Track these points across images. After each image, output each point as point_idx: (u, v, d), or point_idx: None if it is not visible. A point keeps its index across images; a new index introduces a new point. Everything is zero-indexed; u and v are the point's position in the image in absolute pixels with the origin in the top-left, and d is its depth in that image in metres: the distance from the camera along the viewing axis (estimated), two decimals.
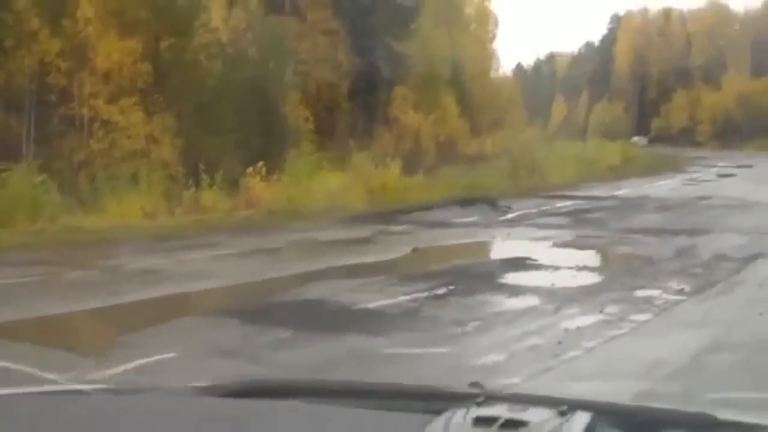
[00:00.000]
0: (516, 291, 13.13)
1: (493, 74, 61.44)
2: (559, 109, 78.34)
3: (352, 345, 9.73)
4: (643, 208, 26.82)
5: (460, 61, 52.48)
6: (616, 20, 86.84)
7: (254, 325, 10.72)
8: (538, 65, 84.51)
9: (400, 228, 21.63)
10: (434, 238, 20.08)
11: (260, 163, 27.05)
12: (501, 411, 1.97)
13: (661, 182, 38.64)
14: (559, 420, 1.92)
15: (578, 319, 10.93)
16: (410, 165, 38.35)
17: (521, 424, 1.89)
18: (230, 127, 34.07)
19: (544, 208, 26.97)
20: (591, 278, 14.45)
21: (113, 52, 30.20)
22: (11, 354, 7.88)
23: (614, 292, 12.86)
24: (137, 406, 2.41)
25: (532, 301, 12.37)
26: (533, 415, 1.94)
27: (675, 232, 20.33)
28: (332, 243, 19.01)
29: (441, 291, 12.95)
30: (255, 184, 26.66)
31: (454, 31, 55.80)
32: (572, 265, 15.65)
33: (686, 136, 76.63)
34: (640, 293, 12.83)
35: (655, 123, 75.69)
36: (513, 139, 44.88)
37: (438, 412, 2.02)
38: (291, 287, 13.69)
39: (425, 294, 12.69)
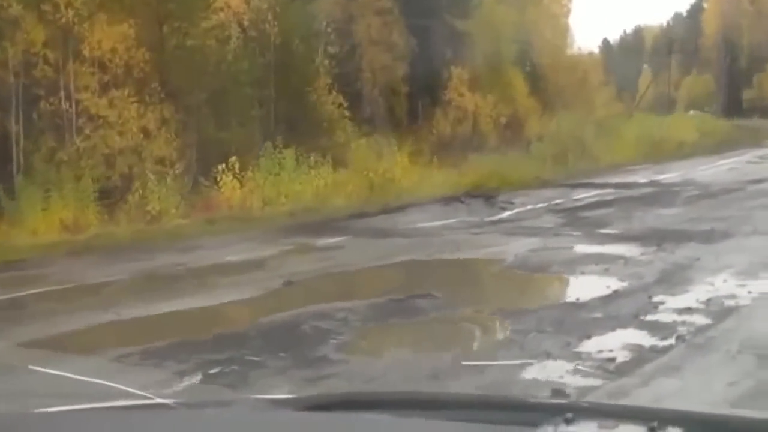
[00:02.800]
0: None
1: (570, 50, 56.33)
2: (646, 83, 72.04)
3: None
4: (674, 199, 21.08)
5: (530, 38, 47.53)
6: None
7: None
8: (625, 39, 78.79)
9: (330, 241, 16.40)
10: (352, 257, 14.82)
11: (232, 159, 22.49)
12: (591, 428, 1.89)
13: (724, 161, 32.35)
14: None
15: None
16: (441, 153, 33.61)
17: None
18: (244, 119, 29.71)
19: (556, 202, 21.45)
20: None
21: (104, 38, 25.89)
22: None
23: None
24: (219, 420, 2.31)
25: None
26: None
27: (684, 237, 14.86)
28: (201, 271, 13.85)
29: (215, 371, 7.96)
30: (226, 183, 22.10)
31: (525, 6, 50.94)
32: None
33: None
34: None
35: (747, 94, 69.00)
36: (584, 118, 39.32)
37: (525, 424, 1.95)
38: None
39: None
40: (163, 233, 18.31)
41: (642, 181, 26.18)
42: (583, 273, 12.32)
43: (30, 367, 7.77)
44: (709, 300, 10.11)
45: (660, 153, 36.25)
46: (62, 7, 24.72)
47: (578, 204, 21.02)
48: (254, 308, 10.91)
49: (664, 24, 78.30)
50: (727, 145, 40.76)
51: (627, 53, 73.59)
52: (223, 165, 22.28)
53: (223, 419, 2.32)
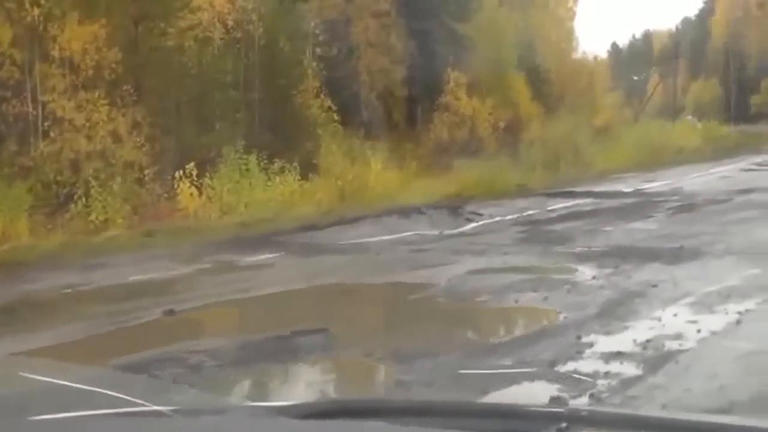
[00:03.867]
0: None
1: (576, 54, 54.49)
2: (654, 88, 70.02)
3: None
4: (654, 210, 19.12)
5: (533, 41, 46.04)
6: None
7: None
8: (634, 44, 76.70)
9: (258, 258, 14.52)
10: (271, 279, 12.98)
11: (190, 165, 20.81)
12: None
13: (719, 168, 30.04)
14: None
15: None
16: (431, 159, 32.00)
17: None
18: (225, 123, 28.08)
19: (528, 213, 19.55)
20: None
21: (73, 38, 24.35)
22: None
23: None
24: (215, 427, 2.25)
25: None
26: None
27: (648, 257, 12.96)
28: (85, 296, 11.98)
29: None
30: (183, 190, 20.42)
31: (529, 9, 49.52)
32: None
33: None
34: None
35: (755, 99, 66.83)
36: (578, 123, 37.51)
37: None
38: None
39: None
40: (92, 247, 16.53)
41: (627, 190, 24.25)
42: (516, 302, 10.51)
43: None
44: (648, 341, 8.27)
45: (657, 160, 34.34)
46: (27, 5, 23.22)
47: (550, 216, 19.16)
48: (108, 347, 9.05)
49: (673, 29, 76.00)
50: (726, 152, 38.51)
51: (635, 58, 71.56)
52: (180, 171, 20.62)
53: (219, 427, 2.23)
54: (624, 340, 8.43)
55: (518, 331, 9.14)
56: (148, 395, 3.30)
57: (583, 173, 29.30)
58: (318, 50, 32.56)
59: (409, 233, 16.95)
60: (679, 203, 20.43)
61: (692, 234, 15.09)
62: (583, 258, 13.25)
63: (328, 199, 21.79)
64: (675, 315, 9.39)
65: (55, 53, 24.20)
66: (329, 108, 31.41)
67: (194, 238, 17.12)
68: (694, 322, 9.02)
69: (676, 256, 13.05)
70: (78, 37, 24.25)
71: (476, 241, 15.73)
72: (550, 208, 20.22)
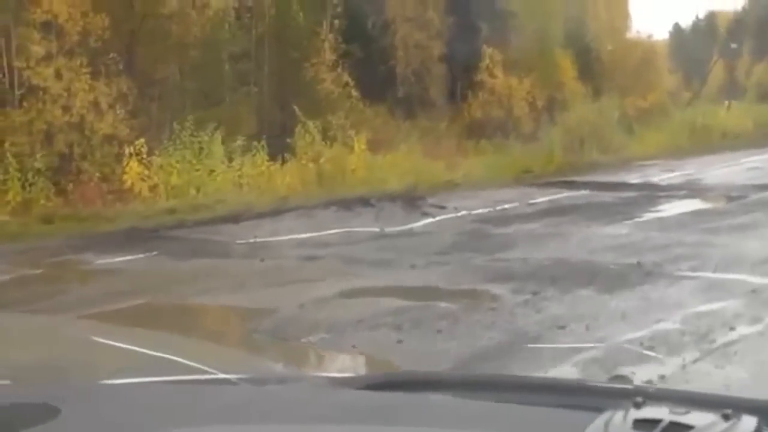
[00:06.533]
0: None
1: (629, 33, 50.86)
2: (717, 70, 65.81)
3: None
4: (645, 208, 15.72)
5: (583, 18, 43.11)
6: None
7: None
8: (697, 24, 72.21)
9: (116, 260, 11.59)
10: (96, 292, 10.08)
11: (140, 141, 18.06)
12: (662, 414, 1.68)
13: (753, 157, 25.50)
14: (724, 424, 1.63)
15: None
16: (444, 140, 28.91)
17: (685, 428, 1.62)
18: (227, 96, 25.44)
19: (502, 207, 16.12)
20: None
21: (55, 1, 21.90)
22: None
23: None
24: (280, 397, 2.18)
25: None
26: (696, 418, 1.65)
27: (585, 278, 9.73)
28: None
29: None
30: (132, 169, 17.67)
31: None
32: None
33: None
34: None
35: None
36: (610, 105, 34.17)
37: (591, 409, 1.74)
38: None
39: None
40: None
41: (633, 182, 20.52)
42: (354, 347, 7.38)
43: None
44: None
45: (695, 145, 30.76)
46: None
47: (525, 211, 15.79)
48: None
49: (739, 9, 71.23)
50: None
51: (698, 39, 67.25)
52: (131, 149, 17.91)
53: (284, 395, 2.18)
54: None
55: None
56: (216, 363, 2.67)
57: (604, 159, 25.84)
58: (336, 22, 29.77)
59: (337, 231, 13.74)
60: (681, 200, 17.03)
61: (665, 244, 11.69)
62: (505, 277, 9.98)
63: (299, 183, 18.87)
64: None
65: (36, 17, 21.83)
66: (346, 84, 28.59)
67: (97, 227, 14.32)
68: None
69: (622, 277, 9.73)
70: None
71: (400, 245, 12.56)
72: (531, 202, 16.87)
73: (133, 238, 13.46)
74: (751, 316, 7.90)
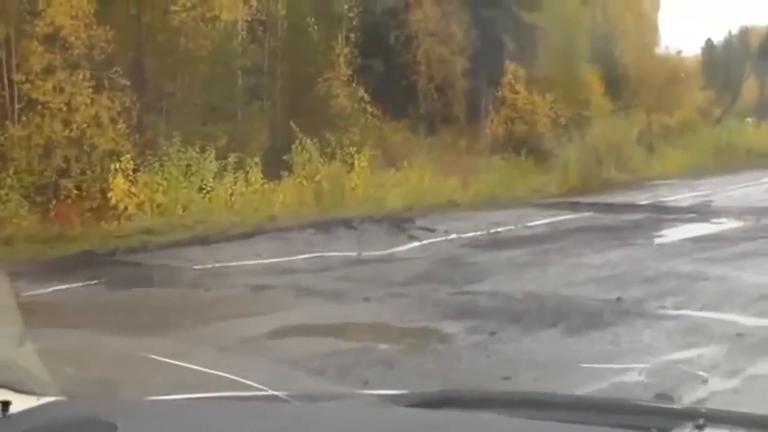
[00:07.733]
0: None
1: (658, 49, 49.53)
2: (749, 86, 64.20)
3: None
4: (647, 233, 14.61)
5: (612, 34, 42.03)
6: None
7: None
8: (729, 40, 70.60)
9: (37, 293, 9.99)
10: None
11: (125, 157, 17.18)
12: None
13: None
14: None
15: None
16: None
17: None
18: (238, 111, 24.53)
19: (495, 230, 14.85)
20: None
21: (57, 13, 21.13)
22: None
23: None
24: (333, 414, 2.19)
25: None
26: None
27: (554, 317, 8.55)
28: None
29: None
30: (117, 186, 16.77)
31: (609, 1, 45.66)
32: None
33: None
34: None
35: None
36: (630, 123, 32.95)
37: (646, 429, 1.77)
38: None
39: None
40: None
41: (642, 203, 19.25)
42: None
43: None
44: None
45: (715, 163, 29.45)
46: None
47: (520, 234, 14.72)
48: None
49: None
50: None
51: (730, 55, 65.65)
52: (116, 164, 17.04)
53: (334, 413, 2.18)
54: None
55: None
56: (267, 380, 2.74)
57: (621, 178, 24.63)
58: (351, 35, 28.86)
59: (308, 255, 12.73)
60: (686, 224, 15.80)
61: (654, 276, 10.52)
62: (464, 312, 8.80)
63: (295, 203, 17.87)
64: None
65: (39, 29, 21.10)
66: (361, 98, 27.65)
67: (57, 249, 13.37)
68: None
69: (595, 316, 8.57)
70: (64, 12, 21.16)
71: (366, 273, 11.44)
72: (528, 224, 15.76)
73: (86, 263, 12.48)
74: (728, 369, 6.78)
